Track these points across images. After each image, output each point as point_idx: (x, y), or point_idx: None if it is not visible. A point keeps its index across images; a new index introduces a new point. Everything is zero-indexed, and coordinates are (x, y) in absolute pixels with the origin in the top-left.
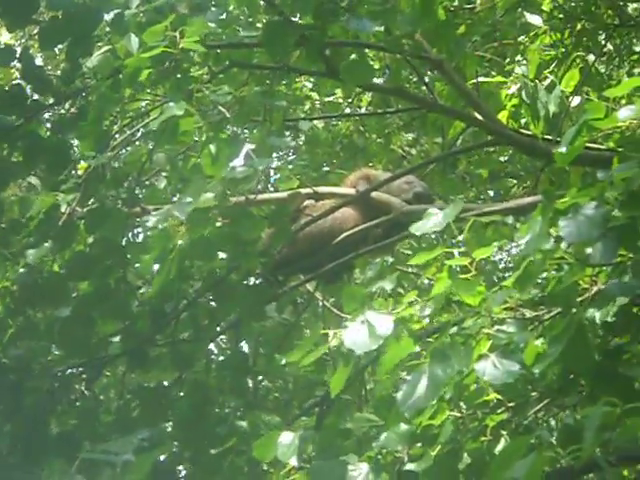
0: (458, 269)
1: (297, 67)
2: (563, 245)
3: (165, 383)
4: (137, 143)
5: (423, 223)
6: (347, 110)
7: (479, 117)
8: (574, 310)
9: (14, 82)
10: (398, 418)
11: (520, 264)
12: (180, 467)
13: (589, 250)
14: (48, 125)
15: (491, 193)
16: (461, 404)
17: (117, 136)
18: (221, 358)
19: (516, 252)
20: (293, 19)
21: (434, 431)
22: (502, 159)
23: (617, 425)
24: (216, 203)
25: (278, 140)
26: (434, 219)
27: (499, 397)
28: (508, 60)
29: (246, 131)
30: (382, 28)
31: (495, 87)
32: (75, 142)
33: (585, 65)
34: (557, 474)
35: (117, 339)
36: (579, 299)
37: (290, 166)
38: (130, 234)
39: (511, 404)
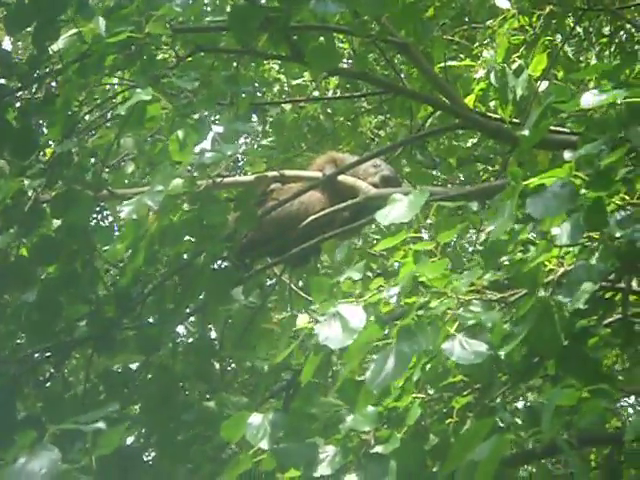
0: (424, 253)
1: (263, 51)
2: (530, 227)
3: (132, 367)
4: (104, 127)
5: (388, 211)
6: (315, 93)
7: (445, 101)
8: (540, 291)
9: None
10: (365, 400)
11: (486, 245)
12: (146, 453)
13: (556, 231)
14: (14, 110)
15: (460, 176)
16: (427, 386)
17: (84, 119)
18: (188, 342)
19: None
20: (258, 2)
21: (400, 413)
22: (471, 142)
23: (580, 407)
24: (185, 189)
25: (244, 125)
26: (399, 207)
27: (465, 379)
28: (477, 44)
29: (213, 115)
30: (347, 10)
31: (463, 71)
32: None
33: (553, 49)
34: (520, 457)
35: (83, 323)
36: (546, 280)
37: (258, 149)
38: (97, 217)
39: (477, 386)
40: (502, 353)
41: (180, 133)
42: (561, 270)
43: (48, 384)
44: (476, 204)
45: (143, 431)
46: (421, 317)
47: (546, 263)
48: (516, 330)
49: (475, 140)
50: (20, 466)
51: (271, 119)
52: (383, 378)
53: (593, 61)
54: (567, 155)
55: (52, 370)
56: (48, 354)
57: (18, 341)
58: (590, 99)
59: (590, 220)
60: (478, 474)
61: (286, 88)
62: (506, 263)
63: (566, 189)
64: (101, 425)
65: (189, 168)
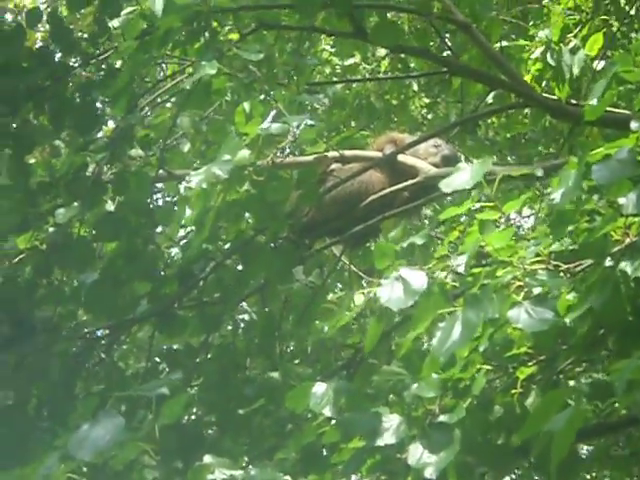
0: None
1: (326, 28)
2: (595, 198)
3: (193, 345)
4: (164, 107)
5: (452, 179)
6: (366, 74)
7: (506, 79)
8: (607, 262)
9: (39, 45)
10: (430, 369)
11: (553, 214)
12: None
13: (622, 200)
14: (74, 87)
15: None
16: (491, 358)
17: (145, 98)
18: (245, 321)
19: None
20: None
21: (466, 384)
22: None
23: None
24: (253, 160)
25: (310, 97)
26: (463, 175)
27: (529, 351)
28: (531, 24)
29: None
30: None
31: (518, 50)
32: (100, 103)
33: (608, 29)
34: (594, 429)
35: (144, 301)
36: (612, 250)
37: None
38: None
39: (541, 358)
40: (567, 320)
41: (246, 105)
42: (627, 241)
43: (109, 363)
44: (541, 171)
45: (202, 409)
46: (487, 285)
47: (612, 233)
48: (582, 301)
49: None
50: (84, 432)
51: (325, 100)
52: (450, 346)
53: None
54: (634, 125)
55: (104, 351)
56: (109, 333)
57: (78, 320)
58: None
59: None
60: (554, 445)
61: (338, 70)
62: (571, 234)
63: (631, 155)
64: (165, 390)
65: (254, 142)
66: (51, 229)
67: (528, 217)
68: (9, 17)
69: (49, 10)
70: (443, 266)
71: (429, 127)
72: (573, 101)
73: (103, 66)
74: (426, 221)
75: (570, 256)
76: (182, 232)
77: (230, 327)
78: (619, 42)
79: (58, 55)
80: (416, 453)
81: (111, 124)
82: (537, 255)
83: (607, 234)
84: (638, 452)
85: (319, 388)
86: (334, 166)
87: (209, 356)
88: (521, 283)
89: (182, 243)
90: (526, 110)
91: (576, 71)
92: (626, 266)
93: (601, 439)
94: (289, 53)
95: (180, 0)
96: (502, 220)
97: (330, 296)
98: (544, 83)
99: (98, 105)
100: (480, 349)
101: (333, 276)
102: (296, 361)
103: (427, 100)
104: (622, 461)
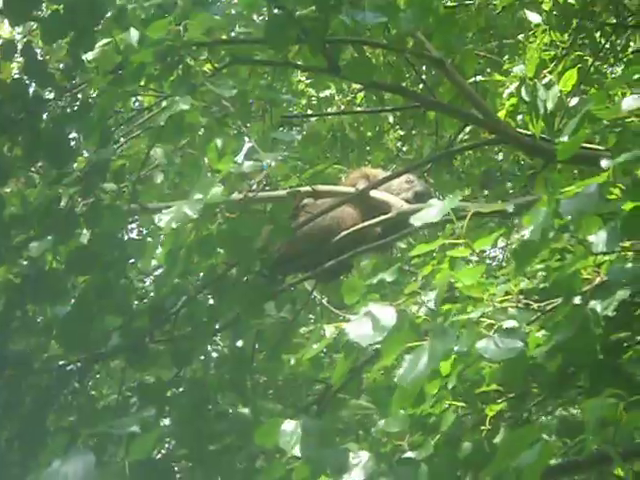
0: (460, 260)
1: (299, 63)
2: (566, 236)
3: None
4: (138, 138)
5: (422, 213)
6: (342, 106)
7: (480, 116)
8: (577, 299)
9: (15, 76)
10: (398, 403)
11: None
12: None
13: (592, 238)
14: (48, 119)
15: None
16: (460, 396)
17: (120, 129)
18: (217, 355)
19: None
20: (294, 13)
21: (434, 420)
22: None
23: (619, 419)
24: (225, 198)
25: (285, 134)
26: (432, 209)
27: (499, 388)
28: (506, 58)
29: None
30: (385, 19)
31: (492, 85)
32: (74, 135)
33: (583, 64)
34: (562, 467)
35: (116, 335)
36: (583, 290)
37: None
38: (128, 230)
39: (511, 395)
40: (536, 356)
41: (219, 142)
42: (597, 279)
43: (75, 397)
44: (512, 207)
45: (173, 443)
46: (456, 321)
47: (582, 272)
48: (552, 338)
49: (500, 157)
50: (55, 469)
51: (299, 133)
52: (415, 374)
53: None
54: (604, 163)
55: (77, 382)
56: (80, 366)
57: (49, 353)
58: (632, 103)
59: (627, 228)
60: None
61: (313, 101)
62: (542, 272)
63: (599, 190)
64: (136, 429)
65: (226, 179)
66: (24, 262)
67: (502, 249)
68: None
69: (23, 42)
70: (413, 302)
71: (404, 160)
72: (546, 137)
73: (77, 99)
74: (399, 254)
75: (541, 294)
76: (154, 262)
77: (202, 361)
78: (594, 77)
79: (32, 87)
80: None
81: (85, 154)
82: (507, 292)
83: (577, 272)
84: None
85: (288, 426)
86: (306, 201)
87: (180, 390)
88: (491, 320)
89: (155, 276)
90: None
91: (550, 106)
92: (596, 305)
93: (572, 477)
94: (263, 87)
95: (153, 34)
96: (475, 255)
97: (302, 330)
98: (519, 117)
99: (72, 137)
100: (449, 386)
101: (305, 310)
102: (268, 396)
103: (402, 132)
104: None
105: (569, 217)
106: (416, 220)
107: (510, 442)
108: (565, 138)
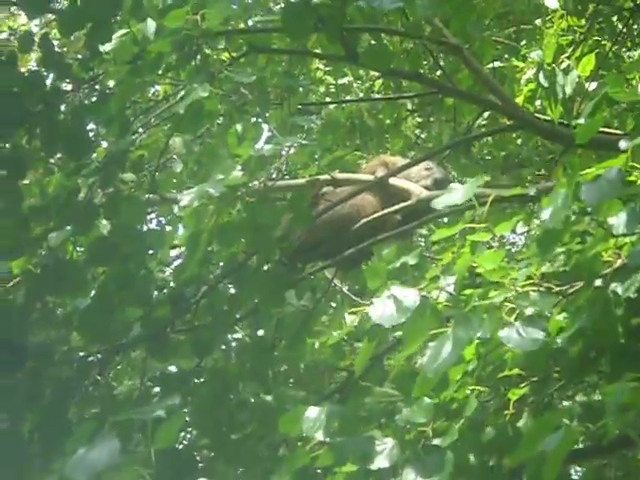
0: (481, 244)
1: (316, 51)
2: (587, 219)
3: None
4: (156, 128)
5: (444, 197)
6: (360, 93)
7: (497, 102)
8: (598, 282)
9: (32, 68)
10: (421, 390)
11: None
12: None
13: (612, 220)
14: (66, 111)
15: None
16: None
17: (138, 119)
18: (237, 344)
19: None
20: (312, 1)
21: (458, 405)
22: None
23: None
24: (246, 180)
25: (302, 119)
26: (454, 193)
27: (521, 372)
28: (524, 44)
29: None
30: (401, 4)
31: (510, 71)
32: (92, 127)
33: (601, 49)
34: (586, 451)
35: (137, 325)
36: (603, 272)
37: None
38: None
39: (533, 379)
40: (559, 341)
41: (239, 127)
42: (619, 262)
43: (102, 387)
44: (534, 190)
45: (195, 433)
46: (478, 306)
47: (603, 254)
48: (574, 321)
49: (519, 142)
50: (80, 457)
51: (317, 120)
52: (439, 363)
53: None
54: (623, 145)
55: (98, 374)
56: (101, 357)
57: (70, 345)
58: None
59: None
60: (546, 466)
61: (332, 89)
62: (562, 255)
63: (620, 174)
64: (162, 414)
65: (246, 164)
66: (44, 253)
67: (523, 234)
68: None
69: (41, 34)
70: (435, 287)
71: (422, 146)
72: (565, 122)
73: (95, 90)
74: (420, 241)
75: (562, 277)
76: (173, 253)
77: (223, 351)
78: (612, 62)
79: (50, 79)
80: (409, 477)
81: (104, 144)
82: (528, 277)
83: (598, 255)
84: (631, 474)
85: (312, 412)
86: (326, 189)
87: (201, 380)
88: (513, 305)
89: (174, 266)
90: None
91: (569, 91)
92: (617, 287)
93: (593, 461)
94: (281, 75)
95: (171, 24)
96: (495, 240)
97: (323, 318)
98: (537, 103)
99: (90, 128)
100: (472, 371)
101: (325, 299)
102: (290, 384)
103: (420, 120)
104: None
105: (590, 202)
106: (439, 204)
107: (534, 429)
108: (582, 121)
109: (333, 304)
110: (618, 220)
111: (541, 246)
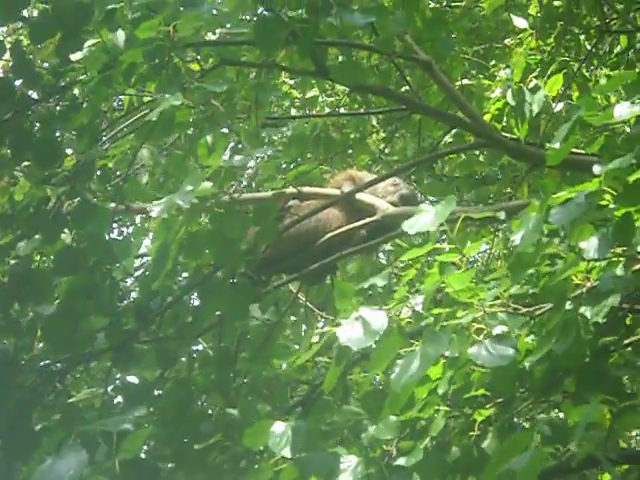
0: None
1: (287, 66)
2: (557, 241)
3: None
4: (124, 139)
5: (415, 220)
6: (326, 108)
7: (466, 119)
8: (567, 305)
9: (1, 76)
10: (390, 408)
11: (512, 257)
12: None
13: (583, 245)
14: (36, 119)
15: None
16: (449, 400)
17: (107, 129)
18: (200, 356)
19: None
20: (283, 15)
21: (424, 425)
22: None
23: (608, 425)
24: (215, 191)
25: (273, 131)
26: (426, 216)
27: (487, 393)
28: (492, 63)
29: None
30: (374, 19)
31: (478, 89)
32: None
33: (569, 69)
34: (555, 470)
35: (101, 335)
36: (572, 295)
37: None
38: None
39: (499, 400)
40: (527, 364)
41: (209, 138)
42: (588, 285)
43: (62, 395)
44: (503, 214)
45: (154, 443)
46: (447, 326)
47: (573, 277)
48: (541, 344)
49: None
50: (48, 467)
51: (281, 134)
52: (407, 379)
53: (603, 80)
54: (596, 169)
55: (57, 381)
56: (65, 365)
57: (35, 353)
58: (623, 110)
59: (618, 234)
60: None
61: (297, 103)
62: (532, 277)
63: (590, 198)
64: (129, 427)
65: (216, 175)
66: (12, 261)
67: (484, 252)
68: None
69: (13, 41)
70: (403, 307)
71: (386, 162)
72: (531, 142)
73: (65, 99)
74: (381, 257)
75: (530, 299)
76: (136, 263)
77: (185, 362)
78: (578, 81)
79: (19, 87)
80: None
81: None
82: (497, 298)
83: (568, 278)
84: None
85: (278, 427)
86: (292, 203)
87: (164, 391)
88: (481, 325)
89: (139, 276)
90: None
91: (536, 110)
92: (586, 310)
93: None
94: (249, 87)
95: (143, 35)
96: (462, 260)
97: (286, 332)
98: (503, 122)
99: (59, 137)
100: (439, 391)
101: (288, 312)
102: (250, 397)
103: (384, 134)
104: None
105: (559, 224)
106: (409, 228)
107: (503, 448)
108: (557, 144)
109: (294, 318)
110: (589, 244)
111: (513, 270)
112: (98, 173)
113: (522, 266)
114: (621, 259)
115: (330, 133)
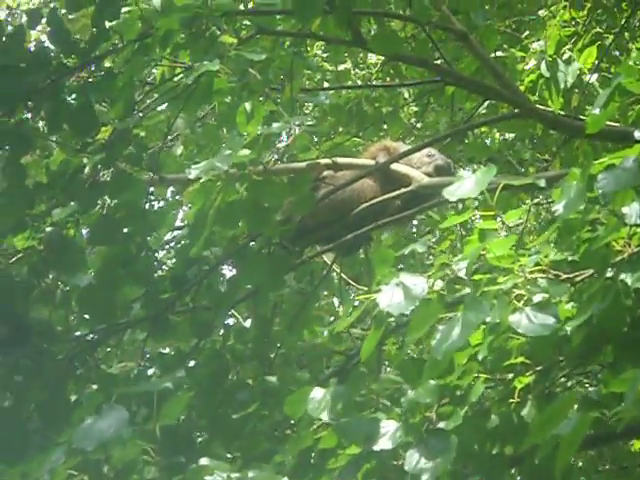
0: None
1: (324, 35)
2: (597, 208)
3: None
4: (160, 109)
5: (456, 187)
6: (357, 81)
7: (502, 89)
8: (608, 272)
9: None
10: (429, 374)
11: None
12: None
13: (625, 210)
14: (72, 88)
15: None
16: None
17: (143, 100)
18: (235, 326)
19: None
20: None
21: (463, 391)
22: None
23: None
24: (253, 156)
25: (313, 97)
26: (467, 183)
27: (526, 361)
28: (526, 34)
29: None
30: None
31: (511, 62)
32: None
33: (602, 42)
34: (599, 437)
35: (137, 305)
36: (614, 261)
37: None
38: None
39: (538, 368)
40: (568, 329)
41: (247, 105)
42: (629, 251)
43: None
44: (543, 181)
45: (194, 413)
46: (487, 292)
47: (614, 244)
48: (582, 310)
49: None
50: (88, 426)
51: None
52: (448, 346)
53: (634, 54)
54: (638, 135)
55: (88, 354)
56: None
57: (69, 324)
58: None
59: None
60: (560, 450)
61: (329, 76)
62: (572, 244)
63: (637, 164)
64: (170, 385)
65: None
66: (48, 229)
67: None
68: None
69: (50, 9)
70: (443, 274)
71: (418, 135)
72: (565, 113)
73: (101, 68)
74: (414, 228)
75: (570, 265)
76: (169, 236)
77: (221, 333)
78: (612, 54)
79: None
80: (413, 459)
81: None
82: (537, 264)
83: (609, 244)
84: (627, 467)
85: (317, 393)
86: (326, 173)
87: (200, 361)
88: (522, 291)
89: (175, 247)
90: None
91: (570, 82)
92: (627, 277)
93: (603, 448)
94: (287, 55)
95: (179, 1)
96: (503, 227)
97: (322, 302)
98: (537, 94)
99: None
100: (479, 357)
101: (322, 283)
102: (287, 367)
103: (416, 108)
104: (611, 475)
105: (607, 191)
106: (450, 195)
107: (545, 414)
108: (596, 111)
109: (325, 292)
110: (631, 210)
111: (560, 238)
112: (133, 142)
113: (569, 234)
114: None
115: (362, 107)
